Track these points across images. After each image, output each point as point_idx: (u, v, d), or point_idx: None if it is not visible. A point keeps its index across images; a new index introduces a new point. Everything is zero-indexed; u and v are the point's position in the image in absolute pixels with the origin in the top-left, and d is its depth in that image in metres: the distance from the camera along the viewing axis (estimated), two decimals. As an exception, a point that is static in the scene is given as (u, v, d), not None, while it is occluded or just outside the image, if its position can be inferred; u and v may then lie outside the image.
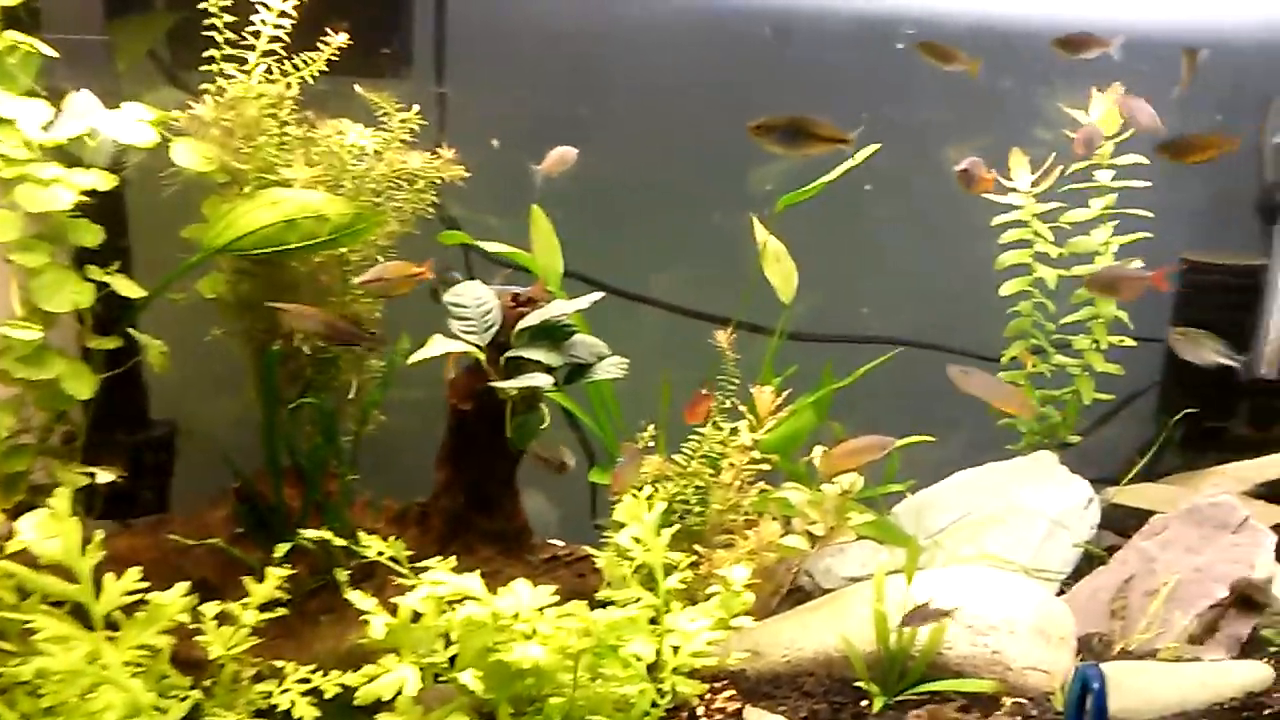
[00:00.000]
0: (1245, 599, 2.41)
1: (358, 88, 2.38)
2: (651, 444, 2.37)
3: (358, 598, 1.93)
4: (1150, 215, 2.89)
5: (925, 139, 2.53)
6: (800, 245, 2.69)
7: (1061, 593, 2.65)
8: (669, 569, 2.14)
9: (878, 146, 2.54)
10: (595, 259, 2.89)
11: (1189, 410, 3.07)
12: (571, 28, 2.94)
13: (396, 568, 2.05)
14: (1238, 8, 3.22)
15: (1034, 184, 2.90)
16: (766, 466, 2.42)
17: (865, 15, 3.06)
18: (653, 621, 2.06)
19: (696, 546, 2.34)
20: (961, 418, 3.14)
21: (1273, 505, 2.76)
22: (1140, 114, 2.71)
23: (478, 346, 2.25)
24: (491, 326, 2.27)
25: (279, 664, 2.00)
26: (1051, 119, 2.87)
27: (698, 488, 2.42)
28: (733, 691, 2.20)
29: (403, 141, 2.40)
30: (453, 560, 2.02)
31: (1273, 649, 2.43)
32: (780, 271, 2.67)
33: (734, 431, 2.41)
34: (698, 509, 2.41)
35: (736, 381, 2.46)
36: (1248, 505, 2.56)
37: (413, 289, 2.31)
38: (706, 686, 2.14)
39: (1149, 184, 2.87)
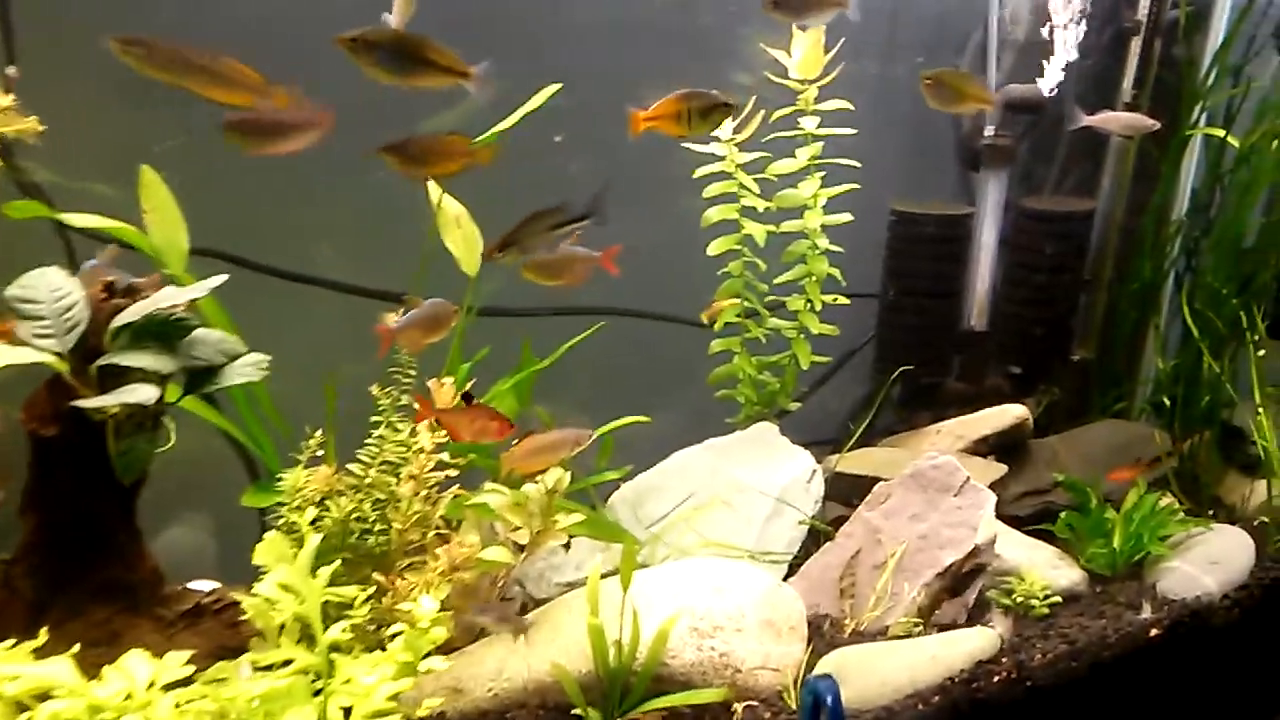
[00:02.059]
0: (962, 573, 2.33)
1: None
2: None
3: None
4: (858, 165, 2.73)
5: (620, 85, 2.21)
6: (485, 207, 2.32)
7: (791, 574, 2.47)
8: (340, 609, 1.78)
9: (558, 86, 2.20)
10: (235, 231, 2.38)
11: (904, 367, 2.98)
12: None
13: (-51, 659, 1.53)
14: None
15: (735, 132, 2.65)
16: (454, 471, 2.07)
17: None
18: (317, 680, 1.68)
19: (377, 575, 1.96)
20: (677, 390, 2.92)
21: (991, 461, 2.70)
22: None
23: (56, 354, 1.73)
24: (75, 326, 1.74)
25: None
26: (753, 61, 2.64)
27: (377, 502, 2.05)
28: (429, 743, 1.87)
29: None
30: (39, 638, 1.60)
31: (1000, 608, 2.37)
32: (461, 238, 2.29)
33: (414, 433, 2.04)
34: (379, 527, 2.04)
35: (414, 371, 2.08)
36: (966, 463, 2.49)
37: None
38: (393, 747, 1.78)
39: (854, 131, 2.70)
